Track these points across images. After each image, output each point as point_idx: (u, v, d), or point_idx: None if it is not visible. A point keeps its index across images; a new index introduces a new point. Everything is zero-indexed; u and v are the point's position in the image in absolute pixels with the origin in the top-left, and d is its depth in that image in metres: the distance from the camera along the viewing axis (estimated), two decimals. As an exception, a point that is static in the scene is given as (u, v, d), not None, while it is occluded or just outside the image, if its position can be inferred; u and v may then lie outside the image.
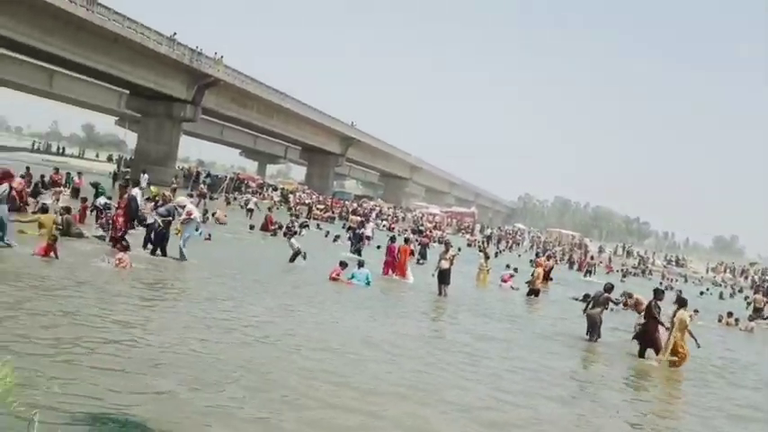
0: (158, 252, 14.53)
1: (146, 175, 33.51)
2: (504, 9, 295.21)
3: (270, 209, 31.10)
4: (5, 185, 12.12)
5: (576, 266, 42.72)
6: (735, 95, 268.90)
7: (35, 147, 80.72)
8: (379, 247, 26.69)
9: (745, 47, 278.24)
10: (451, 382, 8.12)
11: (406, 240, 20.66)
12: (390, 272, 18.92)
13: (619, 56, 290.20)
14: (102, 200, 19.36)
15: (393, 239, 20.50)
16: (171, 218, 14.64)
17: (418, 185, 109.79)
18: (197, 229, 20.08)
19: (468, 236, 56.63)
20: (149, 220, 14.73)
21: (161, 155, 48.53)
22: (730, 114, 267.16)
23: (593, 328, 13.53)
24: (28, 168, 23.99)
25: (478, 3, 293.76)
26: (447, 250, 17.68)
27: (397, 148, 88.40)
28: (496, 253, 38.08)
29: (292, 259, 17.99)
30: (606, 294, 13.82)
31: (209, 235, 20.26)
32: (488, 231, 64.98)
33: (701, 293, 36.94)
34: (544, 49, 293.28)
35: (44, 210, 15.27)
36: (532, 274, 21.20)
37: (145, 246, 14.78)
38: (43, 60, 46.89)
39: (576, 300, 21.69)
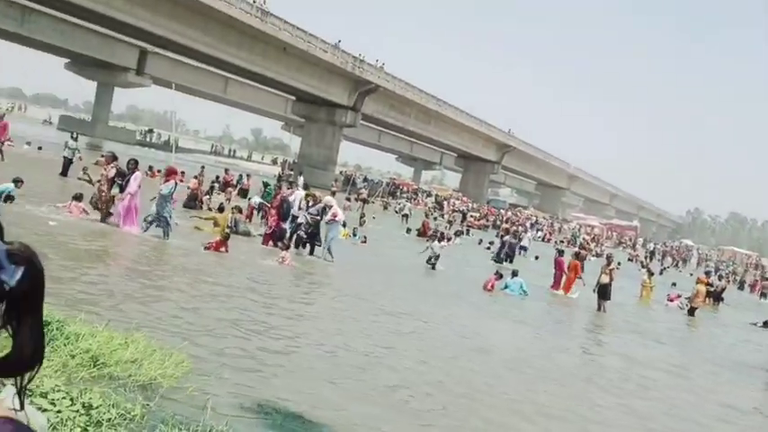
0: (310, 251, 14.83)
1: (301, 177, 34.92)
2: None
3: (426, 215, 31.32)
4: (172, 182, 12.87)
5: (748, 288, 39.39)
6: None
7: (213, 149, 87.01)
8: (537, 257, 26.05)
9: None
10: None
11: (577, 255, 19.67)
12: (558, 286, 18.19)
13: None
14: (256, 199, 20.54)
15: (561, 253, 19.68)
16: (320, 217, 14.84)
17: (576, 196, 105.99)
18: (354, 234, 20.81)
19: (629, 250, 53.76)
20: (300, 220, 15.05)
21: (322, 159, 50.68)
22: None
23: None
24: (203, 168, 25.95)
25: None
26: (608, 264, 16.85)
27: (554, 156, 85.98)
28: (661, 270, 35.78)
29: (429, 261, 17.82)
30: None
31: (365, 238, 20.71)
32: (651, 246, 61.27)
33: None
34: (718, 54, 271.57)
35: (221, 209, 16.44)
36: (694, 291, 19.68)
37: (297, 246, 14.99)
38: (219, 68, 50.68)
39: (756, 325, 19.89)
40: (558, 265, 18.49)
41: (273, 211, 15.38)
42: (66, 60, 59.19)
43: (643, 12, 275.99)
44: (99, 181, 12.95)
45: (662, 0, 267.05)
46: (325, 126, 51.14)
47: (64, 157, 20.60)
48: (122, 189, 12.38)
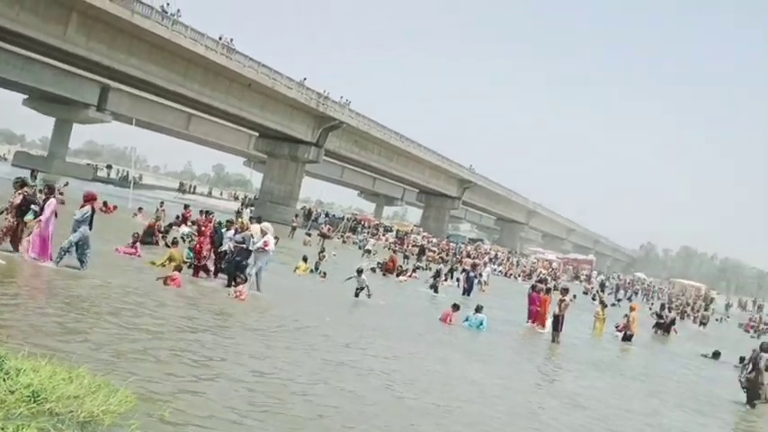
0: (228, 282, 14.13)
1: (248, 210, 34.75)
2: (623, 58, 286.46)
3: (395, 251, 31.52)
4: (88, 207, 11.97)
5: (690, 318, 40.55)
6: None
7: (180, 187, 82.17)
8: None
9: None
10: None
11: (548, 290, 20.08)
12: (533, 321, 18.54)
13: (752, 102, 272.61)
14: (185, 229, 20.51)
15: (534, 288, 20.00)
16: (245, 245, 14.17)
17: (535, 230, 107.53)
18: (316, 269, 20.85)
19: (585, 283, 54.64)
20: (224, 247, 14.56)
21: (284, 194, 50.71)
22: None
23: (753, 395, 12.51)
24: (162, 203, 25.69)
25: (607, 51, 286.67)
26: (563, 296, 17.22)
27: (514, 192, 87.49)
28: (613, 303, 36.46)
29: (357, 293, 17.44)
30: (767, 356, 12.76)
31: (325, 273, 20.77)
32: (600, 278, 62.45)
33: None
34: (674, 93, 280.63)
35: (174, 243, 16.34)
36: (629, 319, 20.44)
37: (216, 274, 14.74)
38: (182, 104, 50.63)
39: (706, 356, 20.35)
40: (532, 300, 18.86)
41: (206, 240, 14.83)
42: (25, 96, 58.48)
43: (576, 49, 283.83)
44: (6, 209, 11.87)
45: (593, 45, 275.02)
46: (287, 162, 51.28)
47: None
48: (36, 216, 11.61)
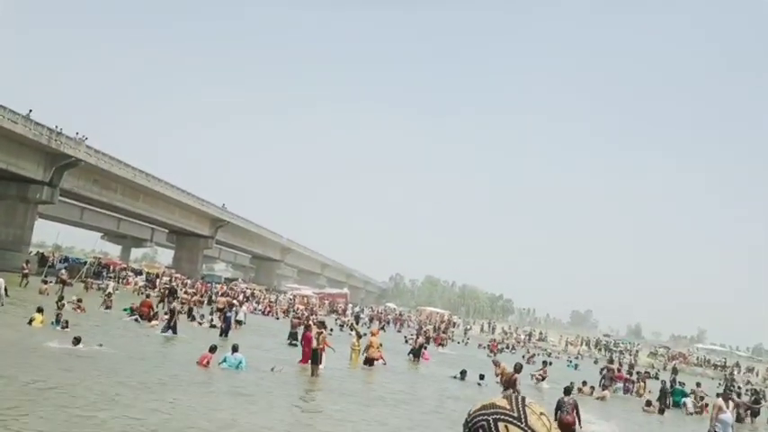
0: None
1: None
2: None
3: (147, 295, 29.97)
4: None
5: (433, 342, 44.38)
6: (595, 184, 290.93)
7: None
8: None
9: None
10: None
11: (307, 327, 20.16)
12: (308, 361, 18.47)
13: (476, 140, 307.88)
14: None
15: (308, 328, 19.95)
16: None
17: (290, 267, 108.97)
18: (57, 321, 18.96)
19: (341, 317, 56.61)
20: None
21: (12, 239, 45.36)
22: (586, 196, 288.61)
23: None
24: None
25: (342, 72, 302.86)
26: (320, 331, 17.75)
27: (268, 229, 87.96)
28: (365, 333, 38.48)
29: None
30: (516, 375, 14.35)
31: (67, 323, 19.03)
32: (356, 310, 65.46)
33: (571, 365, 39.77)
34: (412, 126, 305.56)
35: None
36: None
37: None
38: None
39: (455, 378, 22.10)
40: (307, 340, 18.84)
41: None
42: None
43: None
44: None
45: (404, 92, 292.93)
46: (16, 203, 45.95)
47: None
48: None
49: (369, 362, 21.20)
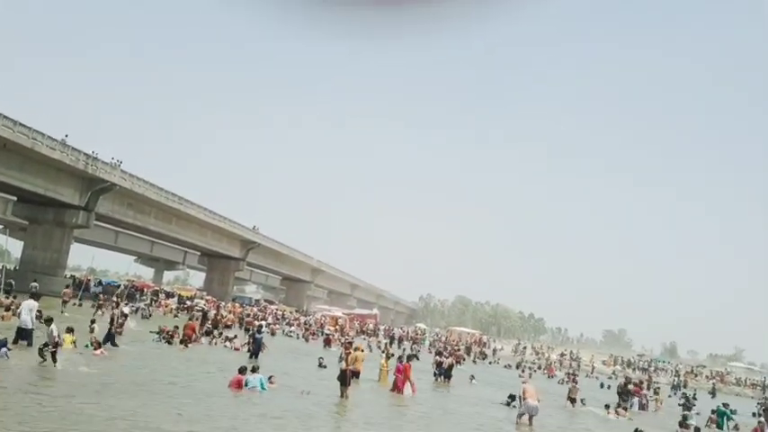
0: None
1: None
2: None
3: (191, 318, 30.67)
4: None
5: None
6: (622, 197, 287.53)
7: None
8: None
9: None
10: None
11: (409, 358, 21.04)
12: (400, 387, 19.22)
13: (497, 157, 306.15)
14: None
15: (401, 359, 20.72)
16: None
17: (320, 288, 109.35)
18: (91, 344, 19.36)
19: (372, 337, 56.50)
20: None
21: (49, 263, 46.47)
22: (617, 218, 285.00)
23: None
24: None
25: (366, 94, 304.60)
26: (348, 351, 17.80)
27: (298, 251, 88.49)
28: (400, 356, 38.39)
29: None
30: None
31: (99, 343, 19.42)
32: (396, 331, 65.68)
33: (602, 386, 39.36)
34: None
35: None
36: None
37: None
38: None
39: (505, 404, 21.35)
40: (399, 370, 19.63)
41: None
42: None
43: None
44: None
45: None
46: (52, 228, 47.14)
47: None
48: None
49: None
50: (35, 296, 20.13)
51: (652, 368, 67.75)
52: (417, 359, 30.81)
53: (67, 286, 38.58)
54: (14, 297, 28.60)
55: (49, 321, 15.97)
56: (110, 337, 20.88)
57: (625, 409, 24.75)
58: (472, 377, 29.55)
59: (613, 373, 60.50)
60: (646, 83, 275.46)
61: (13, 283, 37.25)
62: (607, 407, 23.75)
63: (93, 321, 23.03)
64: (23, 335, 17.41)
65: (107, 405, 11.23)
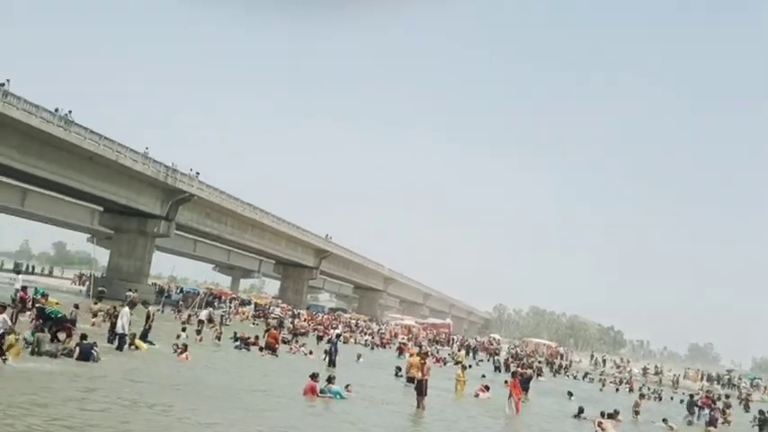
0: None
1: (20, 277, 31.75)
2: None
3: (273, 327, 31.25)
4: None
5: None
6: (707, 213, 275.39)
7: (16, 268, 73.90)
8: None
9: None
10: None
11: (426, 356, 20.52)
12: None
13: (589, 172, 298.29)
14: None
15: (514, 374, 21.04)
16: None
17: (393, 297, 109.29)
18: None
19: (447, 347, 55.92)
20: None
21: (133, 271, 48.15)
22: (701, 230, 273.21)
23: None
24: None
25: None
26: (424, 361, 17.41)
27: (370, 260, 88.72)
28: (471, 364, 37.63)
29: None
30: None
31: (185, 347, 19.86)
32: (471, 342, 64.76)
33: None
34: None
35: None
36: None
37: None
38: (17, 179, 47.08)
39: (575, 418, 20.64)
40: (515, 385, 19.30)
41: None
42: None
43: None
44: None
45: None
46: (136, 237, 48.89)
47: None
48: None
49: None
50: (131, 305, 20.98)
51: (743, 383, 64.00)
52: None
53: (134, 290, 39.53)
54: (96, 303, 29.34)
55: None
56: (145, 334, 21.56)
57: (689, 423, 24.18)
58: (570, 393, 28.50)
59: (701, 388, 57.58)
60: None
61: (105, 290, 38.68)
62: (665, 420, 22.73)
63: (183, 329, 23.83)
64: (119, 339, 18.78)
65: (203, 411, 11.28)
